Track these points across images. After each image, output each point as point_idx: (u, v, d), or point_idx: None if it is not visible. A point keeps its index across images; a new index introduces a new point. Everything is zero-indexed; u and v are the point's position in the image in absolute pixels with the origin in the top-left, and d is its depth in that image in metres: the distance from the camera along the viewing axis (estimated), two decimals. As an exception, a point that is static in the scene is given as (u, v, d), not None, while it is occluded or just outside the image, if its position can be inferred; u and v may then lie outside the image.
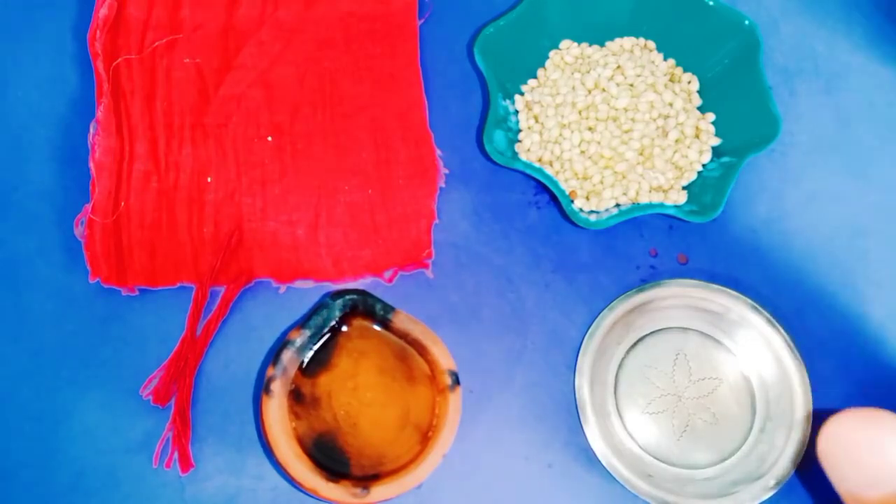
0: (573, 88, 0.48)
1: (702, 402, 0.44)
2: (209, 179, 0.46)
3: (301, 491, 0.40)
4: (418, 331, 0.41)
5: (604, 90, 0.47)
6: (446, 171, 0.47)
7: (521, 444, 0.43)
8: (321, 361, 0.41)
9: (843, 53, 0.51)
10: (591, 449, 0.42)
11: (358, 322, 0.41)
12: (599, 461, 0.42)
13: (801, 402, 0.42)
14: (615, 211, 0.45)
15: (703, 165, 0.47)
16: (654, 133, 0.47)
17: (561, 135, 0.47)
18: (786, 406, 0.43)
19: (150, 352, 0.44)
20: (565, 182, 0.46)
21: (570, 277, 0.46)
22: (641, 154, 0.47)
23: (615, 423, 0.43)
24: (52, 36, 0.49)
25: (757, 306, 0.44)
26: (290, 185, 0.46)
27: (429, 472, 0.39)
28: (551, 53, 0.49)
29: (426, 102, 0.48)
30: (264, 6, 0.49)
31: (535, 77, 0.49)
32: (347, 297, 0.40)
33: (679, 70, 0.49)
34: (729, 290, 0.45)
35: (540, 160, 0.47)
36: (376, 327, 0.41)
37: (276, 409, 0.39)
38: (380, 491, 0.38)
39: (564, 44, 0.49)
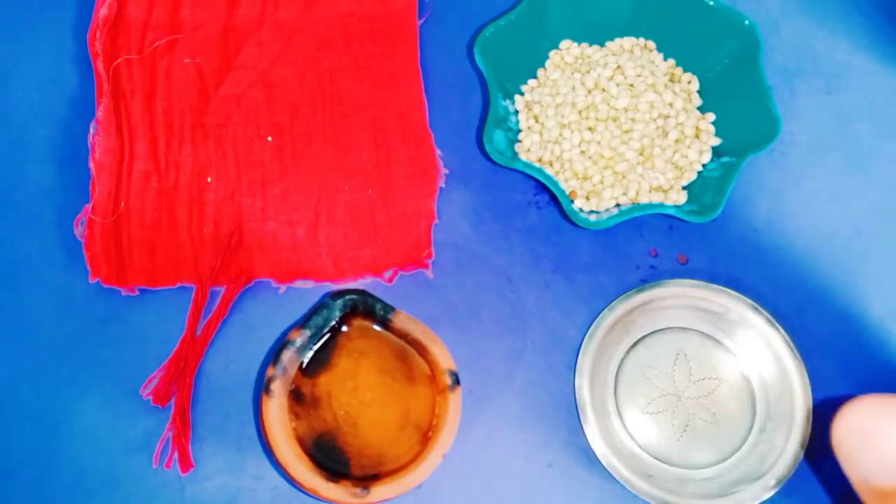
0: (573, 88, 0.48)
1: (702, 402, 0.44)
2: (209, 179, 0.46)
3: (301, 491, 0.40)
4: (418, 331, 0.41)
5: (604, 90, 0.47)
6: (446, 171, 0.47)
7: (521, 444, 0.43)
8: (321, 361, 0.41)
9: (843, 53, 0.51)
10: (591, 449, 0.42)
11: (358, 322, 0.41)
12: (599, 461, 0.42)
13: (801, 402, 0.42)
14: (615, 211, 0.45)
15: (703, 165, 0.47)
16: (654, 133, 0.47)
17: (561, 135, 0.47)
18: (786, 406, 0.43)
19: (150, 352, 0.44)
20: (565, 182, 0.46)
21: (570, 277, 0.46)
22: (641, 154, 0.47)
23: (615, 423, 0.43)
24: (52, 36, 0.49)
25: (757, 306, 0.44)
26: (290, 185, 0.46)
27: (429, 472, 0.39)
28: (551, 53, 0.49)
29: (426, 102, 0.48)
30: (264, 6, 0.49)
31: (535, 77, 0.49)
32: (347, 297, 0.40)
33: (679, 70, 0.49)
34: (729, 290, 0.45)
35: (540, 160, 0.47)
36: (376, 327, 0.41)
37: (276, 409, 0.39)
38: (380, 491, 0.38)
39: (564, 44, 0.49)
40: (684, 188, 0.46)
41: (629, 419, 0.44)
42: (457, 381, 0.40)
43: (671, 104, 0.47)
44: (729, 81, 0.47)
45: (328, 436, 0.40)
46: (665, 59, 0.49)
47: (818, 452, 0.42)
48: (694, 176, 0.47)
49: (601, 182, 0.46)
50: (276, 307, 0.45)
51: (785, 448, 0.42)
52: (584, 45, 0.50)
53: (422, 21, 0.50)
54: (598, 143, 0.46)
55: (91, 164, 0.45)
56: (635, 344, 0.45)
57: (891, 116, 0.49)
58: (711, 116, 0.47)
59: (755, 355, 0.44)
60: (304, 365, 0.40)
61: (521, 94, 0.49)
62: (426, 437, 0.40)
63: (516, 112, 0.48)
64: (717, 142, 0.47)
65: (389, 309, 0.41)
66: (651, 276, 0.46)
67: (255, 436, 0.43)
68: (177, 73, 0.48)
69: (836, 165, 0.48)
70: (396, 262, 0.45)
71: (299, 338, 0.40)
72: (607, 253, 0.46)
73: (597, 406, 0.43)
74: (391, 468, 0.39)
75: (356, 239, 0.46)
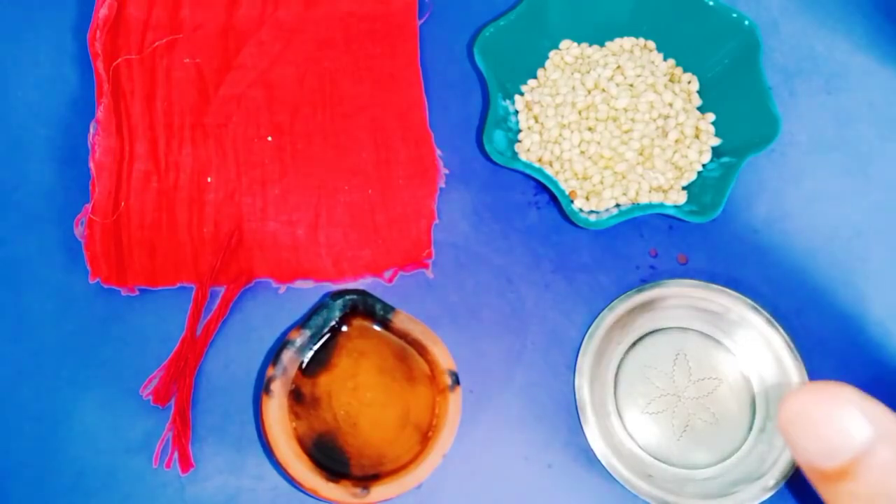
0: (573, 88, 0.48)
1: (702, 402, 0.44)
2: (209, 179, 0.46)
3: (301, 491, 0.40)
4: (418, 331, 0.41)
5: (604, 90, 0.47)
6: (446, 171, 0.47)
7: (521, 444, 0.43)
8: (321, 361, 0.41)
9: (843, 53, 0.51)
10: (591, 449, 0.42)
11: (358, 322, 0.41)
12: (599, 461, 0.42)
13: (801, 402, 0.42)
14: (615, 211, 0.45)
15: (703, 165, 0.47)
16: (654, 133, 0.47)
17: (561, 135, 0.47)
18: (786, 406, 0.43)
19: (150, 352, 0.44)
20: (565, 182, 0.46)
21: (570, 277, 0.46)
22: (641, 154, 0.47)
23: (615, 423, 0.43)
24: (52, 36, 0.49)
25: (757, 306, 0.44)
26: (290, 185, 0.46)
27: (429, 472, 0.39)
28: (551, 53, 0.49)
29: (426, 102, 0.48)
30: (264, 6, 0.49)
31: (535, 77, 0.49)
32: (347, 297, 0.40)
33: (679, 70, 0.49)
34: (729, 290, 0.45)
35: (540, 160, 0.47)
36: (376, 327, 0.41)
37: (276, 409, 0.39)
38: (380, 491, 0.38)
39: (564, 44, 0.49)
40: (684, 188, 0.47)
41: (629, 419, 0.44)
42: (457, 381, 0.40)
43: (671, 104, 0.47)
44: (729, 81, 0.47)
45: (328, 436, 0.40)
46: (665, 59, 0.49)
47: (818, 452, 0.42)
48: (694, 176, 0.47)
49: (601, 182, 0.46)
50: (276, 307, 0.45)
51: (785, 448, 0.42)
52: (584, 45, 0.50)
53: (422, 21, 0.50)
54: (598, 143, 0.46)
55: (91, 164, 0.45)
56: (635, 344, 0.45)
57: (891, 116, 0.49)
58: (711, 116, 0.47)
59: (755, 355, 0.44)
60: (304, 365, 0.40)
61: (521, 94, 0.49)
62: (426, 437, 0.40)
63: (516, 112, 0.48)
64: (716, 142, 0.47)
65: (389, 309, 0.41)
66: (651, 276, 0.46)
67: (255, 436, 0.43)
68: (177, 73, 0.48)
69: (836, 165, 0.48)
70: (396, 262, 0.45)
71: (299, 338, 0.40)
72: (607, 253, 0.46)
73: (597, 406, 0.43)
74: (391, 468, 0.39)
75: (356, 239, 0.46)
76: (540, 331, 0.45)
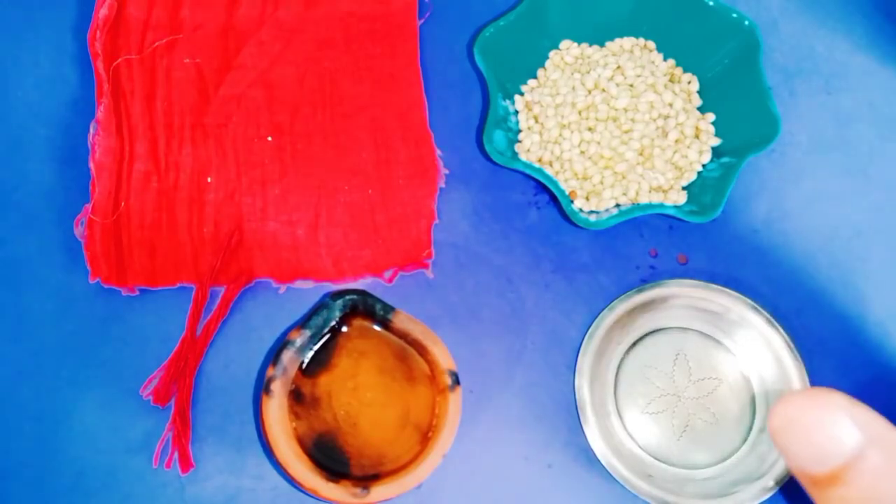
0: (573, 89, 0.48)
1: (702, 402, 0.44)
2: (209, 179, 0.46)
3: (301, 491, 0.40)
4: (418, 331, 0.41)
5: (604, 90, 0.47)
6: (446, 171, 0.47)
7: (521, 444, 0.43)
8: (321, 361, 0.41)
9: (843, 53, 0.51)
10: (591, 449, 0.42)
11: (358, 322, 0.41)
12: (599, 461, 0.42)
13: (800, 402, 0.42)
14: (615, 211, 0.45)
15: (703, 166, 0.47)
16: (654, 133, 0.47)
17: (561, 135, 0.47)
18: (786, 406, 0.43)
19: (150, 352, 0.44)
20: (565, 182, 0.46)
21: (570, 277, 0.46)
22: (641, 154, 0.47)
23: (615, 423, 0.43)
24: (52, 36, 0.49)
25: (757, 306, 0.44)
26: (290, 185, 0.46)
27: (429, 472, 0.39)
28: (551, 53, 0.49)
29: (426, 102, 0.48)
30: (264, 6, 0.49)
31: (535, 77, 0.49)
32: (347, 297, 0.40)
33: (679, 70, 0.49)
34: (729, 290, 0.45)
35: (540, 160, 0.47)
36: (376, 327, 0.41)
37: (276, 409, 0.39)
38: (380, 491, 0.38)
39: (564, 44, 0.49)
40: (684, 188, 0.47)
41: (629, 419, 0.44)
42: (457, 381, 0.40)
43: (671, 104, 0.47)
44: (729, 81, 0.47)
45: (328, 436, 0.40)
46: (665, 59, 0.49)
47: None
48: (694, 176, 0.47)
49: (601, 182, 0.46)
50: (276, 307, 0.45)
51: (785, 448, 0.42)
52: (584, 45, 0.50)
53: (422, 21, 0.50)
54: (598, 143, 0.46)
55: (91, 164, 0.45)
56: (635, 344, 0.45)
57: (891, 116, 0.49)
58: (711, 116, 0.47)
59: (755, 355, 0.44)
60: (304, 365, 0.40)
61: (521, 94, 0.49)
62: (426, 437, 0.40)
63: (516, 112, 0.48)
64: (716, 142, 0.47)
65: (389, 309, 0.41)
66: (651, 276, 0.46)
67: (255, 436, 0.43)
68: (177, 73, 0.48)
69: (836, 165, 0.48)
70: (396, 262, 0.45)
71: (299, 338, 0.40)
72: (607, 253, 0.46)
73: (597, 406, 0.43)
74: (391, 468, 0.39)
75: (356, 239, 0.46)
76: (540, 331, 0.45)
